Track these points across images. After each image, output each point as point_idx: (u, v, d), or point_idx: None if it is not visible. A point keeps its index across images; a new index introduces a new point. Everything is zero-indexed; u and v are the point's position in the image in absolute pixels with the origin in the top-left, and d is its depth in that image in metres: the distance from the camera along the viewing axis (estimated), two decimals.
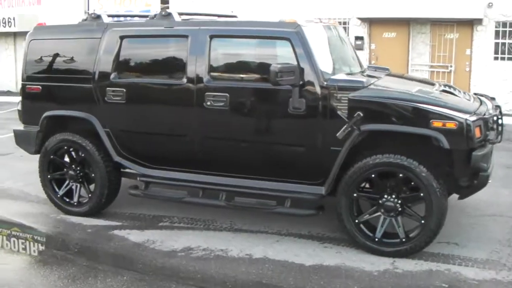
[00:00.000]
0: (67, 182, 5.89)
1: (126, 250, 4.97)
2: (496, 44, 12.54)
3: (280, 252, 4.89)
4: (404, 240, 4.71)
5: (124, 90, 5.38)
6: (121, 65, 5.45)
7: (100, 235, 5.33)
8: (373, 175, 4.70)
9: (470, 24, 12.65)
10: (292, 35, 4.82)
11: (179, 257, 4.82)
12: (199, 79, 5.08)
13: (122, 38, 5.43)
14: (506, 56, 12.46)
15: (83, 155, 5.72)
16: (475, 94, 5.69)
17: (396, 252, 4.73)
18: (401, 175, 4.62)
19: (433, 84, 5.60)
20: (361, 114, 4.60)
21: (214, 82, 5.07)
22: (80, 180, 5.83)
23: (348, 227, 4.83)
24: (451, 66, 12.89)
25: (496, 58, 12.56)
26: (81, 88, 5.61)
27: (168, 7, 5.65)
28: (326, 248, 5.01)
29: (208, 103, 5.06)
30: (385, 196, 4.72)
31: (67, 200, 5.89)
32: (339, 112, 4.70)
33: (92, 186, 5.82)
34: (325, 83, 4.73)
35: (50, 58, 5.80)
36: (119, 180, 5.82)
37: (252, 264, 4.66)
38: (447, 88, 5.43)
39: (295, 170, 4.99)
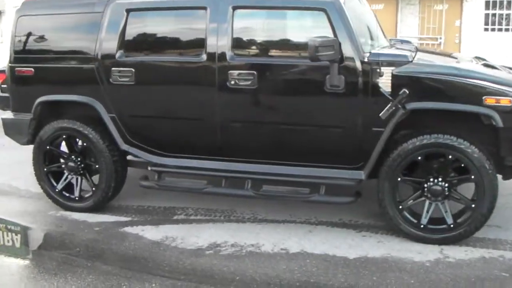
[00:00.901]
0: (66, 174, 5.29)
1: (146, 251, 4.42)
2: (486, 15, 12.36)
3: (318, 245, 4.46)
4: (452, 226, 4.34)
5: (133, 70, 4.78)
6: (128, 42, 4.84)
7: (111, 233, 4.78)
8: (419, 157, 4.30)
9: None
10: (328, 5, 4.32)
11: (208, 256, 4.32)
12: (221, 56, 4.53)
13: (128, 11, 4.80)
14: (496, 27, 12.30)
15: (84, 144, 5.12)
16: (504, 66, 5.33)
17: (444, 239, 4.36)
18: (450, 156, 4.24)
19: (468, 59, 5.21)
20: (407, 92, 4.17)
21: (238, 59, 4.54)
22: (81, 172, 5.23)
23: (391, 214, 4.42)
24: (440, 38, 12.66)
25: (486, 29, 12.38)
26: (81, 69, 4.99)
27: None
28: (365, 237, 4.61)
29: (232, 82, 4.52)
30: (431, 179, 4.34)
31: (67, 195, 5.29)
32: (381, 90, 4.25)
33: (94, 178, 5.25)
34: (366, 58, 4.28)
35: (44, 37, 5.14)
36: (125, 170, 5.25)
37: (291, 260, 4.21)
38: (486, 62, 5.05)
39: (332, 154, 4.54)
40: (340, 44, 4.23)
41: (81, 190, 5.27)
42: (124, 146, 5.00)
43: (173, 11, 4.80)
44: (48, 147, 5.21)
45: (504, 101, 4.10)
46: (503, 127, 4.12)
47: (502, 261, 4.14)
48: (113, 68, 4.84)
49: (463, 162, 4.22)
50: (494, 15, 12.42)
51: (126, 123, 4.95)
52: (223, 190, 4.82)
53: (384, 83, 4.25)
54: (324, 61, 4.14)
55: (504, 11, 12.35)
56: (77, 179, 5.26)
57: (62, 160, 5.30)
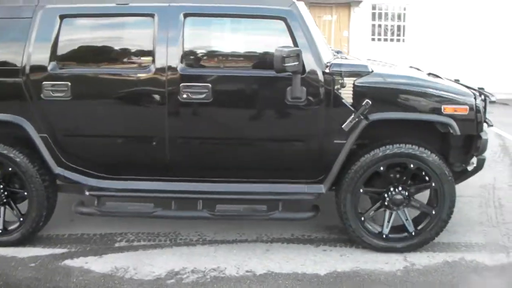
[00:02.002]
0: None
1: (99, 286, 3.92)
2: (373, 26, 13.04)
3: (282, 264, 4.28)
4: (413, 233, 4.41)
5: (69, 84, 4.25)
6: (63, 53, 4.30)
7: (52, 269, 4.19)
8: (381, 168, 4.30)
9: (348, 6, 12.95)
10: (288, 13, 4.18)
11: (171, 286, 3.94)
12: (171, 68, 4.18)
13: (62, 17, 4.27)
14: (382, 37, 13.00)
15: (9, 169, 4.47)
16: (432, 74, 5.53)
17: (407, 247, 4.43)
18: (411, 165, 4.29)
19: (407, 68, 5.35)
20: (370, 102, 4.16)
21: (191, 70, 4.22)
22: (5, 201, 4.57)
23: (353, 226, 4.39)
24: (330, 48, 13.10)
25: (373, 39, 13.04)
26: (4, 84, 4.35)
27: None
28: (326, 251, 4.52)
29: (184, 96, 4.19)
30: (392, 189, 4.38)
31: None
32: (343, 101, 4.19)
33: (20, 206, 4.61)
34: (328, 68, 4.20)
35: None
36: (56, 196, 4.68)
37: (263, 283, 3.98)
38: (430, 72, 5.19)
39: (292, 168, 4.39)
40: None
41: (4, 221, 4.60)
42: (58, 170, 4.44)
43: (115, 18, 4.34)
44: None
45: (461, 110, 4.25)
46: (459, 134, 4.27)
47: (465, 264, 4.29)
48: (44, 82, 4.28)
49: (424, 170, 4.29)
50: (380, 26, 13.15)
51: (60, 144, 4.40)
52: (175, 212, 4.45)
53: (346, 94, 4.21)
54: (289, 72, 3.99)
55: (389, 22, 13.12)
56: None
57: None
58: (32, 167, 4.41)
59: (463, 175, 4.66)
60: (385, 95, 4.25)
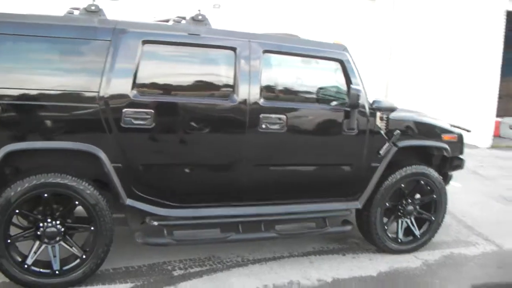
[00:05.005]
0: (37, 243, 4.09)
1: None
2: None
3: (336, 271, 4.89)
4: (419, 236, 5.45)
5: (152, 112, 4.17)
6: (145, 79, 4.20)
7: None
8: (402, 185, 5.25)
9: None
10: (343, 56, 4.85)
11: None
12: (253, 99, 4.46)
13: (145, 42, 4.17)
14: None
15: (76, 203, 4.09)
16: None
17: (415, 247, 5.44)
18: (422, 182, 5.34)
19: None
20: (399, 132, 5.07)
21: (269, 102, 4.56)
22: (61, 238, 4.14)
23: (380, 234, 5.23)
24: None
25: None
26: (78, 109, 4.03)
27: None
28: (355, 258, 5.25)
29: (263, 126, 4.51)
30: (404, 202, 5.35)
31: (39, 270, 4.10)
32: (380, 131, 5.02)
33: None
34: (372, 104, 4.98)
35: (22, 64, 3.93)
36: None
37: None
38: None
39: (338, 189, 5.04)
40: None
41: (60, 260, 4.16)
42: (129, 201, 4.26)
43: (197, 48, 4.38)
44: (17, 211, 3.96)
45: (453, 138, 5.54)
46: (450, 155, 5.50)
47: (458, 256, 5.46)
48: (125, 109, 4.11)
49: (429, 185, 5.38)
50: None
51: (134, 173, 4.24)
52: (247, 235, 4.70)
53: (383, 126, 5.05)
54: (360, 108, 4.70)
55: None
56: (53, 247, 4.12)
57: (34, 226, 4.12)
58: (102, 200, 4.14)
59: None
60: (409, 127, 5.25)
